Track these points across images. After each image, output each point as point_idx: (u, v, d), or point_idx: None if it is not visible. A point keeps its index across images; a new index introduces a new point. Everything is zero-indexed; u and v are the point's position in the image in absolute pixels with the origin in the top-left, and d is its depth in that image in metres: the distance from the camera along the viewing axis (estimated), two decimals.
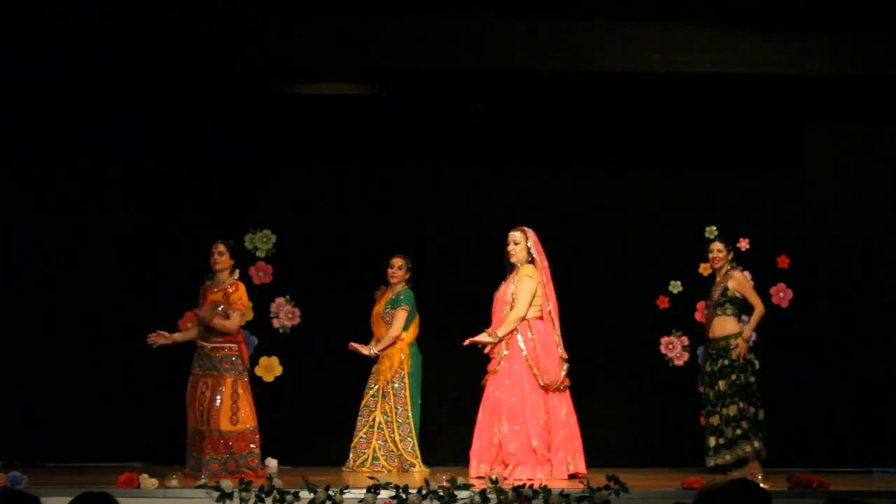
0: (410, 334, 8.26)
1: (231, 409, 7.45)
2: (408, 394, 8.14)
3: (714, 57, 8.20)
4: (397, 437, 8.08)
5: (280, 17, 8.10)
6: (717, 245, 8.13)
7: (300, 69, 8.54)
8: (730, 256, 8.13)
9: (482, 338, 7.57)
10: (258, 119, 9.03)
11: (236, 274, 7.71)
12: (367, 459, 8.08)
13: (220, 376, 7.47)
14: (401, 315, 8.19)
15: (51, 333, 8.76)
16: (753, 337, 8.36)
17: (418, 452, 8.08)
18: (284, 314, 9.01)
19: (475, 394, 7.82)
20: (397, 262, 8.32)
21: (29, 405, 8.65)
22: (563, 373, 7.56)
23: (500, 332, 7.53)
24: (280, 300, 9.02)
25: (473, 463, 7.56)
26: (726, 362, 7.92)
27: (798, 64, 8.23)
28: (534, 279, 7.60)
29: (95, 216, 8.92)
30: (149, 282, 8.81)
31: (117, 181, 9.02)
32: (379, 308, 8.33)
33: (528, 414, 7.45)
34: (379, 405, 8.15)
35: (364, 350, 8.21)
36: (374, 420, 8.15)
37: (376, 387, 8.18)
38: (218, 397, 7.42)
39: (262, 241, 9.05)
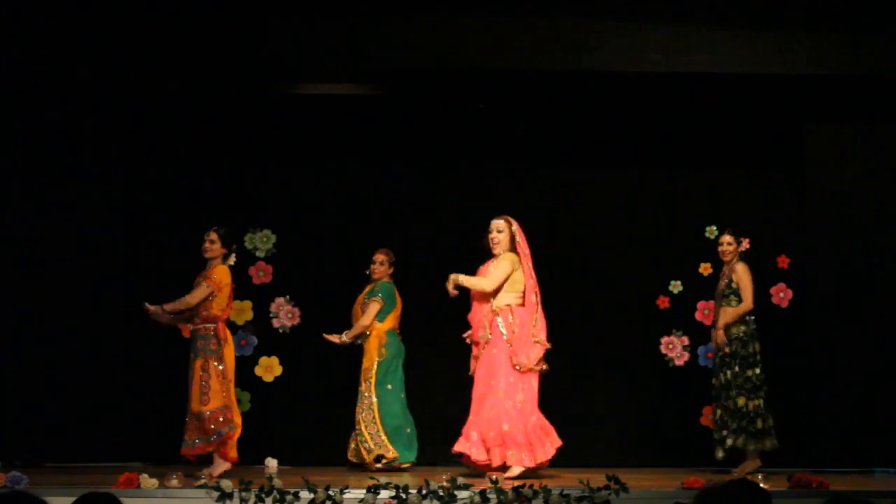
0: (385, 324, 8.30)
1: (201, 388, 7.47)
2: (373, 382, 8.18)
3: (714, 57, 8.21)
4: (364, 428, 8.12)
5: (280, 18, 8.10)
6: (727, 238, 8.20)
7: (300, 69, 8.55)
8: (739, 249, 8.18)
9: (452, 282, 7.62)
10: (258, 119, 9.03)
11: (231, 260, 7.74)
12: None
13: (194, 358, 7.55)
14: (373, 306, 8.25)
15: (51, 334, 8.76)
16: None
17: (372, 444, 8.08)
18: (284, 314, 9.01)
19: (464, 392, 7.90)
20: (379, 257, 8.39)
21: (29, 405, 8.65)
22: (537, 357, 7.57)
23: (464, 280, 7.63)
24: (280, 300, 9.02)
25: (461, 440, 7.61)
26: (728, 350, 7.99)
27: (798, 64, 8.24)
28: (513, 264, 7.66)
29: (95, 216, 8.92)
30: (149, 282, 8.80)
31: (117, 181, 9.02)
32: (359, 299, 8.40)
33: (503, 397, 7.48)
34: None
35: (335, 339, 8.24)
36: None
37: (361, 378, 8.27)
38: (192, 379, 7.50)
39: (262, 241, 9.05)
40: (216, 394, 7.47)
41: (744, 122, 9.07)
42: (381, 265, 8.38)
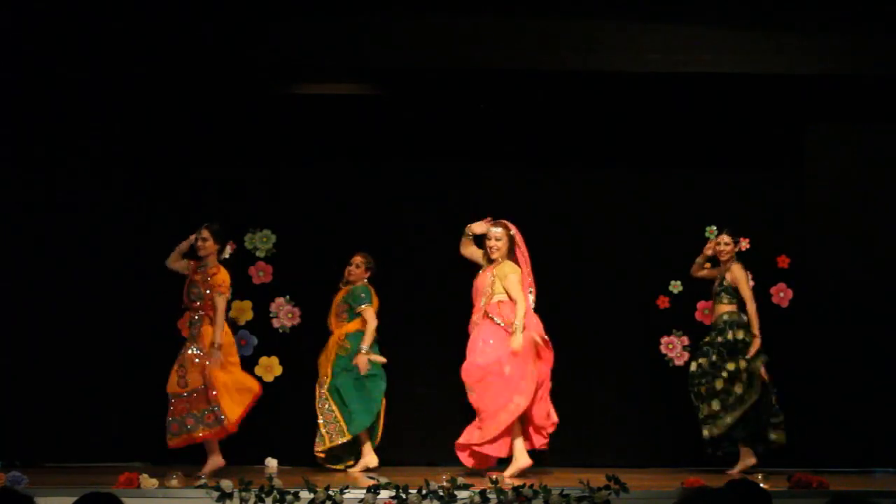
0: (351, 325, 8.29)
1: (178, 372, 7.61)
2: (328, 378, 8.22)
3: (714, 57, 8.21)
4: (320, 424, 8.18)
5: (280, 17, 8.10)
6: (725, 238, 8.30)
7: (300, 69, 8.54)
8: (736, 249, 8.25)
9: (516, 344, 7.58)
10: (258, 119, 9.02)
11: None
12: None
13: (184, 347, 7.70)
14: (369, 311, 8.25)
15: (51, 333, 8.75)
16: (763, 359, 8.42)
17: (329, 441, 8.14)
18: (284, 314, 9.00)
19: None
20: (357, 260, 8.38)
21: (29, 405, 8.65)
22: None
23: (519, 335, 7.57)
24: (280, 300, 9.02)
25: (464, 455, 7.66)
26: (719, 339, 8.17)
27: (798, 64, 8.24)
28: (517, 273, 7.74)
29: (95, 216, 8.92)
30: (148, 282, 8.79)
31: (116, 181, 9.01)
32: (338, 300, 8.38)
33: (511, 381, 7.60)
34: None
35: (380, 358, 8.22)
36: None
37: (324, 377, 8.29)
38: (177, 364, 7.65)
39: (262, 241, 9.05)
40: (195, 379, 7.57)
41: (744, 122, 9.07)
42: (357, 268, 8.37)
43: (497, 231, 7.80)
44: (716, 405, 8.04)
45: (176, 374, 7.62)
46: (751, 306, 8.15)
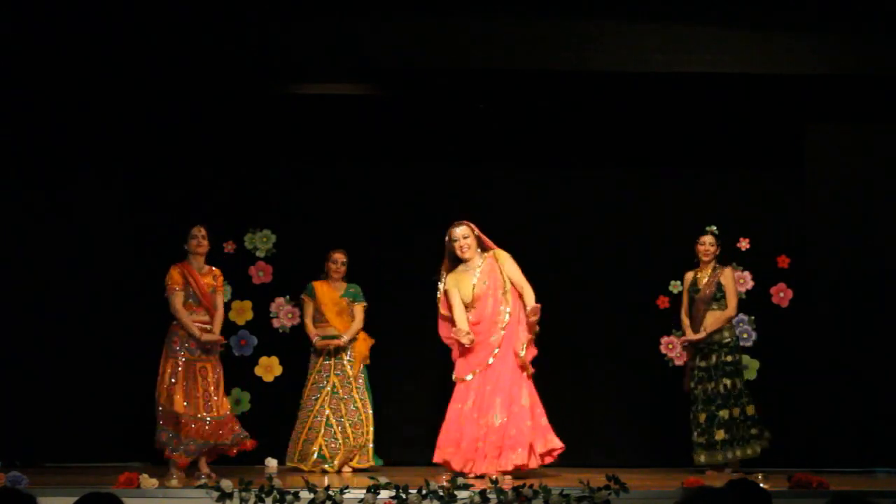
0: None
1: (221, 391, 7.56)
2: (366, 385, 8.28)
3: (714, 57, 8.21)
4: (349, 431, 8.13)
5: (280, 17, 8.10)
6: (709, 238, 8.24)
7: (300, 69, 8.55)
8: (717, 252, 8.21)
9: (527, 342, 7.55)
10: (258, 119, 9.03)
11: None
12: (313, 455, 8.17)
13: (211, 360, 7.56)
14: (362, 310, 8.33)
15: (50, 333, 8.75)
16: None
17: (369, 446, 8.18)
18: (284, 314, 9.01)
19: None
20: (341, 258, 8.40)
21: (29, 405, 8.65)
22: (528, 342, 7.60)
23: (535, 315, 7.52)
24: (280, 300, 9.02)
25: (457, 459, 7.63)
26: (728, 359, 7.99)
27: (798, 64, 8.24)
28: (510, 256, 7.71)
29: (95, 217, 8.93)
30: (148, 282, 8.79)
31: (117, 181, 9.02)
32: (334, 297, 8.35)
33: (531, 401, 7.55)
34: (332, 401, 8.22)
35: (338, 341, 8.24)
36: (326, 417, 8.19)
37: (335, 382, 8.23)
38: (217, 383, 7.53)
39: (262, 241, 9.05)
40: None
41: (744, 122, 9.07)
42: (343, 265, 8.39)
43: (463, 230, 7.73)
44: (720, 434, 7.97)
45: (201, 397, 7.45)
46: (728, 312, 8.07)
